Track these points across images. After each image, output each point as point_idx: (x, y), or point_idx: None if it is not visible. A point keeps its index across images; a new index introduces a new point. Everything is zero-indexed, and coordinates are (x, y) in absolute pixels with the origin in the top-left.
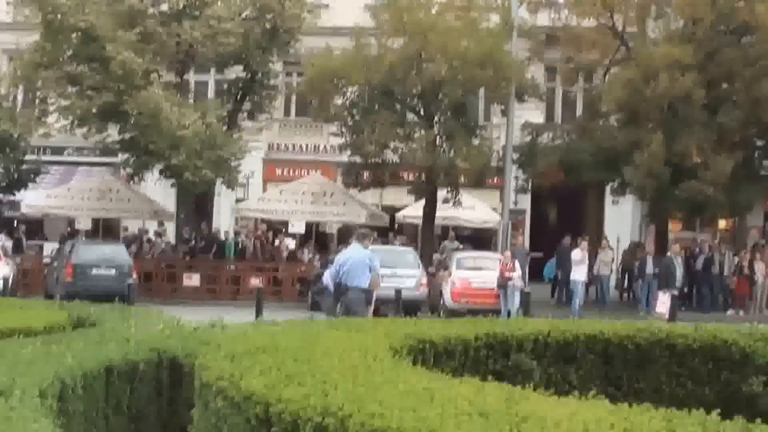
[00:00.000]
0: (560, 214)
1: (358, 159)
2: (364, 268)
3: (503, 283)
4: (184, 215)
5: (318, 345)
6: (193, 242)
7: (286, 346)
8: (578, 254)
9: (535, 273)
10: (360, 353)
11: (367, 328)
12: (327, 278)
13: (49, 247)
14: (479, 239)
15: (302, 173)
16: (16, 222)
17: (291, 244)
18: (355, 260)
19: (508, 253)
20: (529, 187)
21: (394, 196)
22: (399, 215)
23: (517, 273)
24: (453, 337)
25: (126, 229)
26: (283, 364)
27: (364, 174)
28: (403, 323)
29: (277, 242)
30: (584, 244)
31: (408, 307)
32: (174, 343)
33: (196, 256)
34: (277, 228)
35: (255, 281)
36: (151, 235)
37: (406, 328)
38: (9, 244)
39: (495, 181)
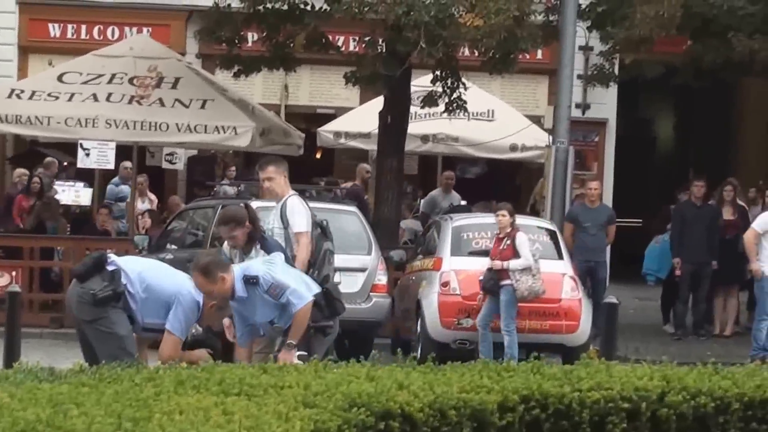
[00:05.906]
0: (682, 128)
1: (234, 2)
2: None
3: (490, 283)
4: None
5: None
6: None
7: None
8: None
9: (628, 262)
10: None
11: (262, 385)
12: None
13: None
14: (503, 187)
15: (107, 34)
16: None
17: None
18: None
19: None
20: (615, 72)
21: (314, 87)
22: (324, 131)
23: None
24: (452, 405)
25: None
26: None
27: (248, 38)
28: (343, 373)
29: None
30: None
31: (350, 336)
32: None
33: None
34: (51, 160)
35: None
36: None
37: (348, 383)
38: None
39: (539, 56)
